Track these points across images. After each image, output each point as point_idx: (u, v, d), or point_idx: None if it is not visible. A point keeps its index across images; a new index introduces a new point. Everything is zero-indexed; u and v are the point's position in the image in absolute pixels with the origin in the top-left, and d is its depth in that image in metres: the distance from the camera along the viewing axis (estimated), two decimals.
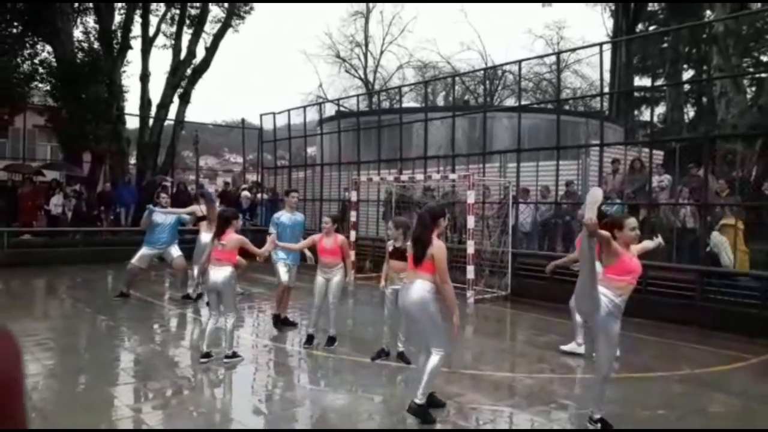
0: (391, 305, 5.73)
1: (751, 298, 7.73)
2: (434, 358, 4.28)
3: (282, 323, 7.29)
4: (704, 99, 19.56)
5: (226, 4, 20.61)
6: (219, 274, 5.73)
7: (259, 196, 17.42)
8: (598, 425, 4.14)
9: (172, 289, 10.18)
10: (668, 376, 5.69)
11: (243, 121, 19.53)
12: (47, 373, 5.42)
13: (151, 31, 19.67)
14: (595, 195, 3.95)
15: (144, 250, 9.07)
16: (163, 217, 9.10)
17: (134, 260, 9.04)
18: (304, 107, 17.52)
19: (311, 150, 20.53)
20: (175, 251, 9.13)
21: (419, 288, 4.31)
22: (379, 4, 33.86)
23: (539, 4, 24.03)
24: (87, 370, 5.62)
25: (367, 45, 34.80)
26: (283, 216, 7.17)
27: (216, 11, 20.80)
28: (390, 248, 5.78)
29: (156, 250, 9.09)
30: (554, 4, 23.90)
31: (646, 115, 22.02)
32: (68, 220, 14.84)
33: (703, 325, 7.73)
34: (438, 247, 4.36)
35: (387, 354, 5.90)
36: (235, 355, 5.83)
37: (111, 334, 7.26)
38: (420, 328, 4.42)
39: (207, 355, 5.75)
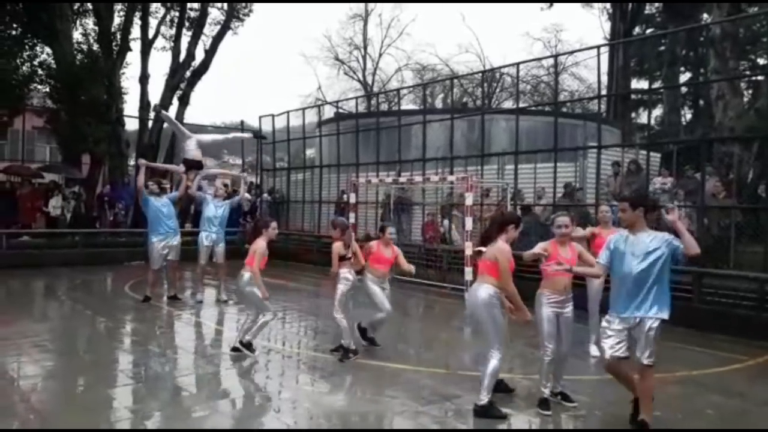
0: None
1: (748, 300, 7.75)
2: (493, 361, 4.49)
3: None
4: (701, 102, 19.61)
5: (225, 7, 20.65)
6: (239, 279, 5.96)
7: (261, 197, 17.42)
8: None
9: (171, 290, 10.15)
10: (665, 378, 5.70)
11: (242, 123, 19.53)
12: (46, 374, 5.44)
13: (151, 33, 19.71)
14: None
15: (153, 248, 8.79)
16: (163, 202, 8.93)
17: (152, 266, 8.86)
18: (303, 109, 17.53)
19: (310, 152, 20.54)
20: (175, 253, 9.02)
21: (484, 290, 4.55)
22: (377, 7, 33.99)
23: (538, 7, 24.08)
24: (86, 372, 5.63)
25: (365, 47, 34.91)
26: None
27: (215, 14, 20.90)
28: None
29: (163, 237, 8.82)
30: (552, 7, 23.91)
31: (643, 117, 22.08)
32: (67, 222, 14.85)
33: (701, 326, 7.75)
34: (499, 248, 4.58)
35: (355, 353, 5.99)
36: (249, 347, 5.99)
37: (110, 335, 7.27)
38: (483, 329, 4.64)
39: (246, 346, 6.02)
